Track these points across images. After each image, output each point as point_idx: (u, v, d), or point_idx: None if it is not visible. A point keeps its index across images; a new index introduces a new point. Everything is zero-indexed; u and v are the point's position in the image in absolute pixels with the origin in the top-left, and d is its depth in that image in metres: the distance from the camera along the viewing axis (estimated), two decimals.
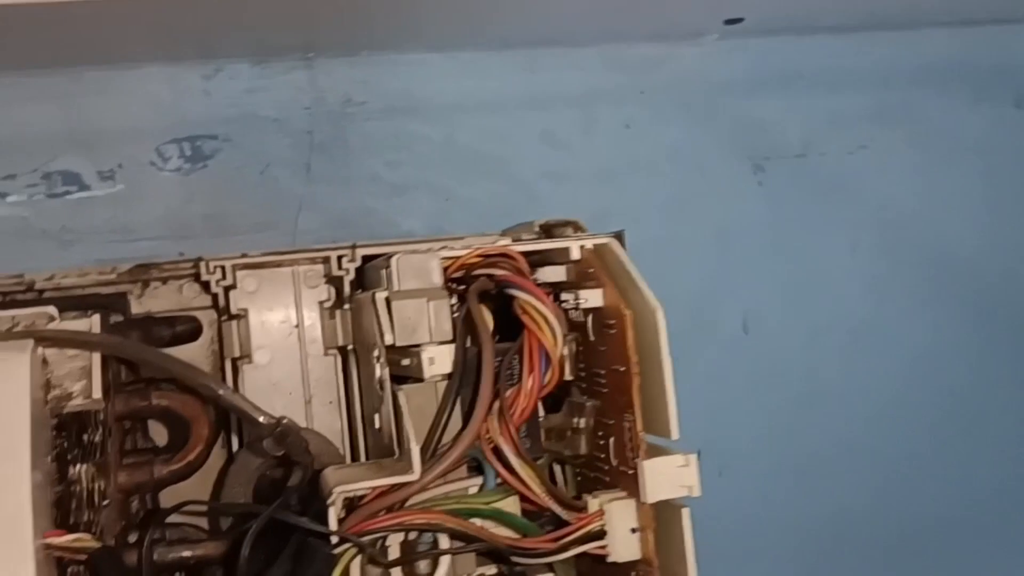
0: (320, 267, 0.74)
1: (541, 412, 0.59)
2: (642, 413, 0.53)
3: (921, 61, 0.92)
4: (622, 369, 0.54)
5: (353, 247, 0.68)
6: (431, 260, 0.56)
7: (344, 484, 0.50)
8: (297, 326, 0.75)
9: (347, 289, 0.69)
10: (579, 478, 0.61)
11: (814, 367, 0.88)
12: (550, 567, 0.55)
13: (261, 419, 0.53)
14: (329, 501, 0.50)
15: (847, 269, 0.89)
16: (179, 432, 0.58)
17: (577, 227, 0.63)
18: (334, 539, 0.50)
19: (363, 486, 0.51)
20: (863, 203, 0.90)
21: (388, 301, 0.55)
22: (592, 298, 0.56)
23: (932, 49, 0.92)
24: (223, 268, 0.67)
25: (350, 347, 0.71)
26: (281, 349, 0.72)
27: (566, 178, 0.85)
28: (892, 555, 0.87)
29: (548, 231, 0.64)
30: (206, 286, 0.67)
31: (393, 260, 0.56)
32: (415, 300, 0.55)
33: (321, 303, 0.73)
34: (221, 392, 0.52)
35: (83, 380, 0.53)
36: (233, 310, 0.70)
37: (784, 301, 0.88)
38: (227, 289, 0.68)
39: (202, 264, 0.66)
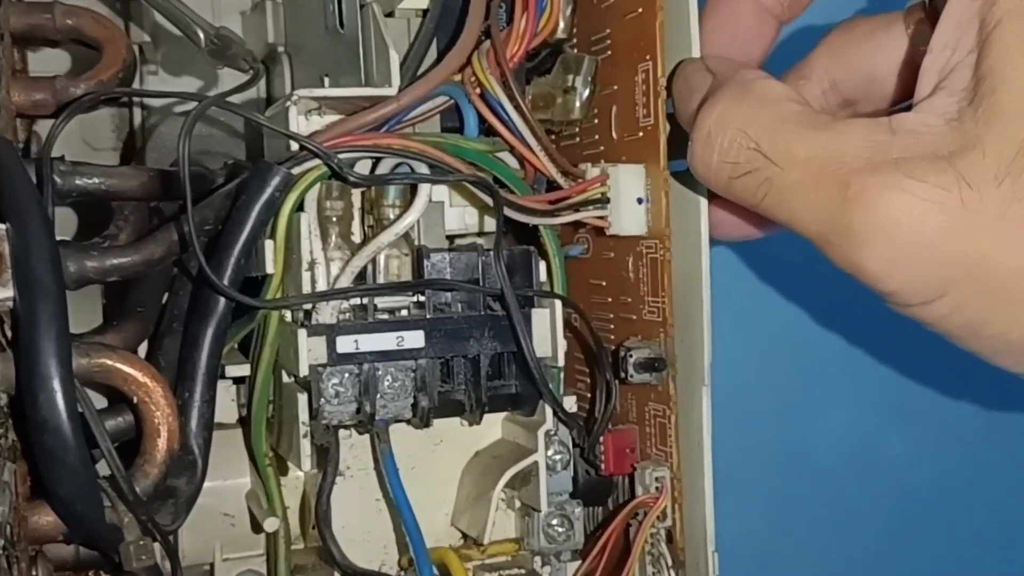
0: None
1: None
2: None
3: None
4: (640, 11, 0.45)
5: None
6: None
7: (307, 89, 0.41)
8: None
9: None
10: None
11: None
12: (536, 235, 0.46)
13: (199, 31, 0.43)
14: (288, 103, 0.40)
15: None
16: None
17: None
18: (293, 146, 0.40)
19: (331, 93, 0.42)
20: None
21: None
22: None
23: None
24: None
25: (280, 48, 0.62)
26: None
27: None
28: None
29: None
30: None
31: None
32: None
33: (243, 13, 0.64)
34: None
35: None
36: None
37: None
38: None
39: None
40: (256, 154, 0.55)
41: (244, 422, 0.51)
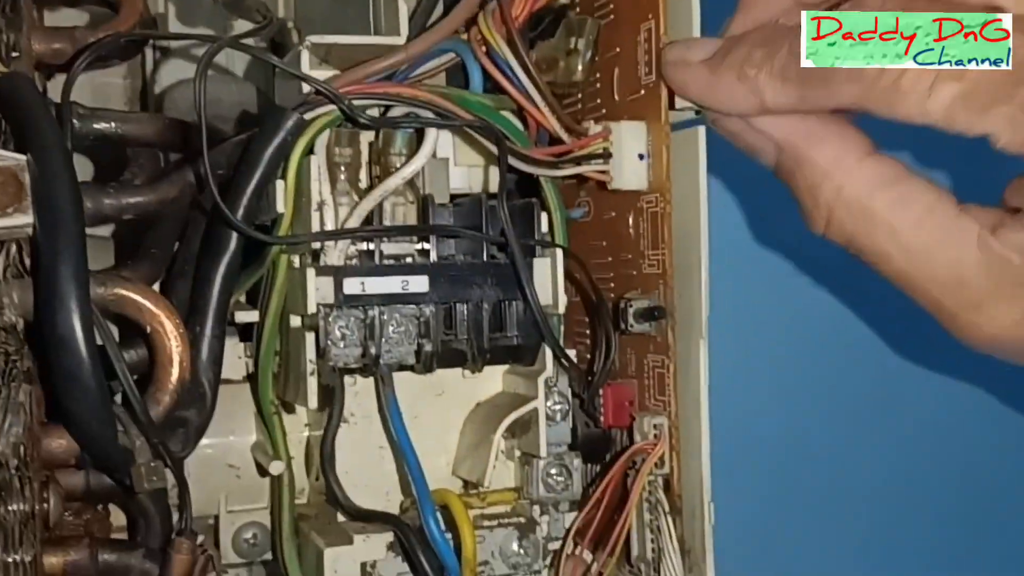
0: None
1: None
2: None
3: None
4: None
5: None
6: None
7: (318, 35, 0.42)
8: None
9: None
10: None
11: None
12: (538, 191, 0.47)
13: None
14: (301, 47, 0.41)
15: None
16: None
17: None
18: (305, 90, 0.41)
19: (341, 40, 0.43)
20: None
21: None
22: None
23: None
24: None
25: (290, 24, 0.63)
26: None
27: None
28: None
29: None
30: None
31: None
32: None
33: None
34: None
35: None
36: None
37: None
38: None
39: None
40: None
41: (251, 378, 0.52)
